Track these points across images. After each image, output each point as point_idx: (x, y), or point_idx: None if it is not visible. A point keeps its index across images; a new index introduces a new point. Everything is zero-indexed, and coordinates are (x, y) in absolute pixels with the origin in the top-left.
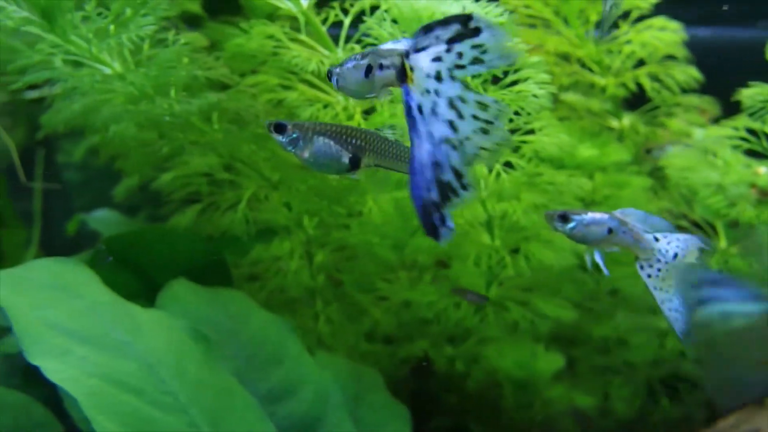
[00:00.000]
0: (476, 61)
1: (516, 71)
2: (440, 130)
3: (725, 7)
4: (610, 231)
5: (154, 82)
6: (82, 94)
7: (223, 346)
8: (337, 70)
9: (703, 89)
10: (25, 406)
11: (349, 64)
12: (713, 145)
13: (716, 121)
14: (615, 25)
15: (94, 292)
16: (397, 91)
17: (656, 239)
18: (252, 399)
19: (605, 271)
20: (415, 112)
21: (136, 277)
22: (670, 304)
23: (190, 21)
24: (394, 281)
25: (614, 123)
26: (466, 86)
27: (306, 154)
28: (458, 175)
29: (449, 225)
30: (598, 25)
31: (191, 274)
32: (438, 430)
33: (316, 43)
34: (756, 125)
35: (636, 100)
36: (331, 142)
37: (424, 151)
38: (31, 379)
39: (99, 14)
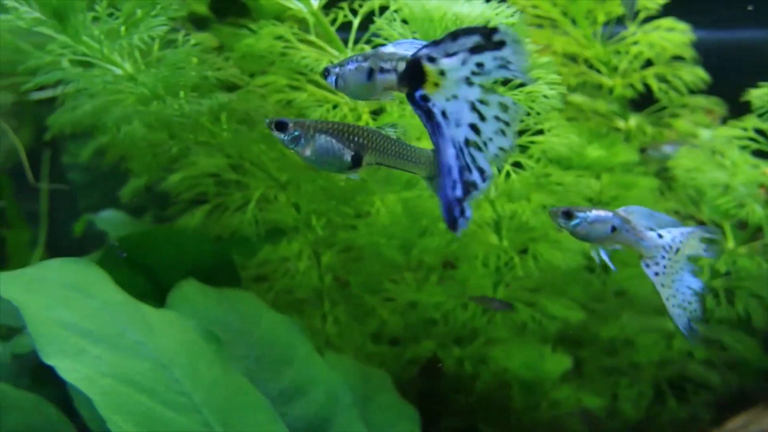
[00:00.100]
0: (501, 67)
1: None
2: (465, 133)
3: (750, 7)
4: (613, 229)
5: (164, 82)
6: (91, 95)
7: (233, 346)
8: (337, 70)
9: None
10: (36, 406)
11: (351, 66)
12: (721, 145)
13: (723, 121)
14: (637, 13)
15: (107, 292)
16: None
17: (660, 236)
18: (264, 399)
19: (611, 266)
20: (439, 117)
21: (145, 277)
22: (674, 300)
23: (197, 22)
24: (400, 282)
25: (621, 124)
26: (488, 89)
27: (308, 152)
28: (481, 172)
29: (468, 215)
30: (607, 24)
31: (199, 274)
32: (448, 431)
33: (325, 43)
34: (765, 126)
35: (642, 101)
36: (333, 140)
37: (449, 155)
38: (41, 379)
39: (110, 15)
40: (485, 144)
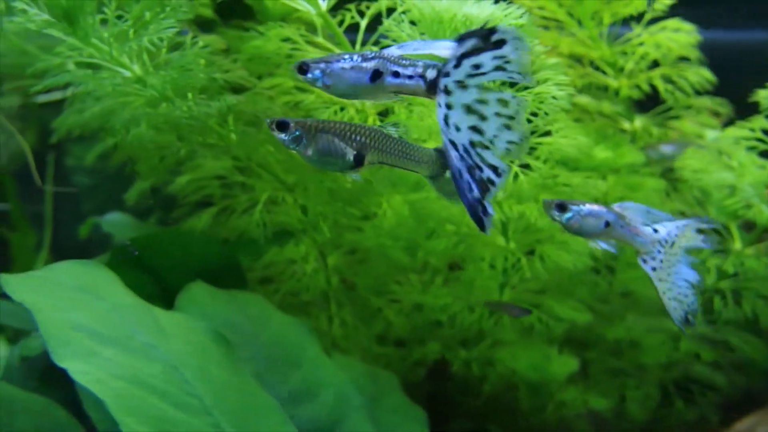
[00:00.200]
0: (498, 69)
1: (534, 73)
2: (467, 134)
3: None
4: (607, 224)
5: (173, 84)
6: (98, 97)
7: (242, 348)
8: (322, 66)
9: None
10: (46, 408)
11: (343, 64)
12: (727, 146)
13: (729, 122)
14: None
15: (117, 294)
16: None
17: (655, 231)
18: (274, 401)
19: (611, 249)
20: (442, 122)
21: (151, 279)
22: (671, 293)
23: (203, 25)
24: (406, 284)
25: (626, 125)
26: (485, 88)
27: (309, 152)
28: (494, 169)
29: (490, 212)
30: (613, 25)
31: (205, 276)
32: None
33: (333, 45)
34: None
35: (647, 102)
36: (335, 140)
37: (455, 158)
38: (49, 382)
39: (119, 17)
40: (491, 142)
